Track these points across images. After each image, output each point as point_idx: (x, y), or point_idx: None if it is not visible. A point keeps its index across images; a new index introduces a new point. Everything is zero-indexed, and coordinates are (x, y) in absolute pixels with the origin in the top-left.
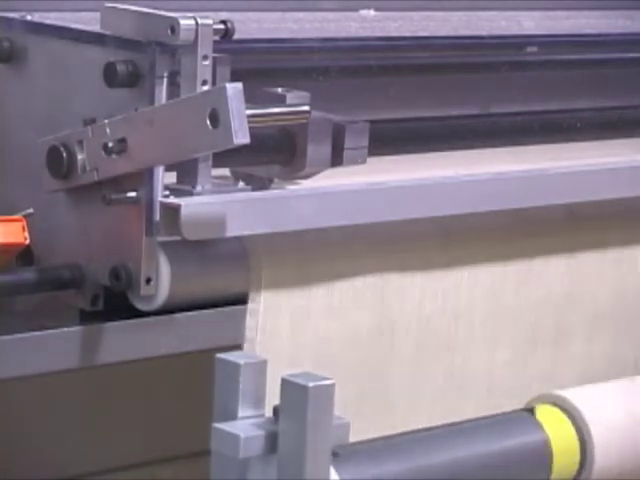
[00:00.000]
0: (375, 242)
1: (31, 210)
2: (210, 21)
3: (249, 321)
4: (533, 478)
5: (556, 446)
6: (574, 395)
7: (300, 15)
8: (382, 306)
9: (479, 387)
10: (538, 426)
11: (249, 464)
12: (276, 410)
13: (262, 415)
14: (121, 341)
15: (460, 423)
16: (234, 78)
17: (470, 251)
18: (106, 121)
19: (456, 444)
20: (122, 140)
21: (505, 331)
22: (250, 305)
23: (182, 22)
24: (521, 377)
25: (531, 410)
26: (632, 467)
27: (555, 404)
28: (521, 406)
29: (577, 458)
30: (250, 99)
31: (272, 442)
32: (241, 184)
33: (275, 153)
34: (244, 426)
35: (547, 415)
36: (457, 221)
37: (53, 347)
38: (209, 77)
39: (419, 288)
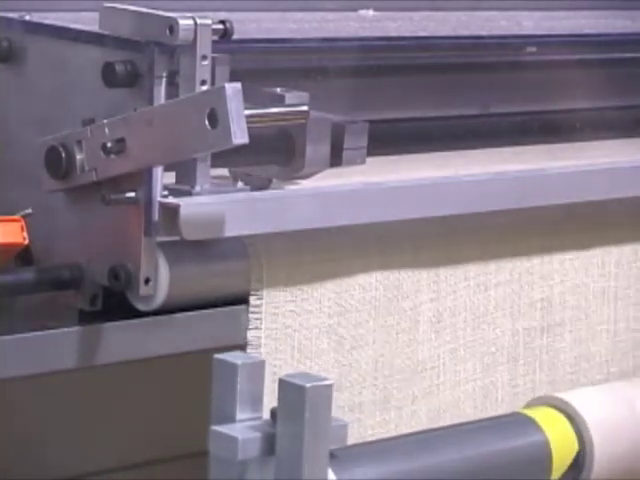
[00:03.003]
0: (378, 240)
1: (30, 210)
2: (209, 21)
3: (252, 322)
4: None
5: (555, 448)
6: (573, 397)
7: (299, 15)
8: (388, 305)
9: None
10: (537, 428)
11: (247, 466)
12: (273, 413)
13: (260, 417)
14: (120, 341)
15: (459, 425)
16: (233, 78)
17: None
18: (105, 121)
19: (455, 446)
20: (121, 140)
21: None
22: (252, 305)
23: (181, 22)
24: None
25: (530, 412)
26: (631, 468)
27: (554, 406)
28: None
29: (576, 460)
30: (249, 99)
31: (270, 444)
32: (240, 184)
33: (274, 153)
34: (242, 428)
35: (546, 417)
36: (456, 221)
37: (52, 347)
38: (208, 77)
39: (426, 287)
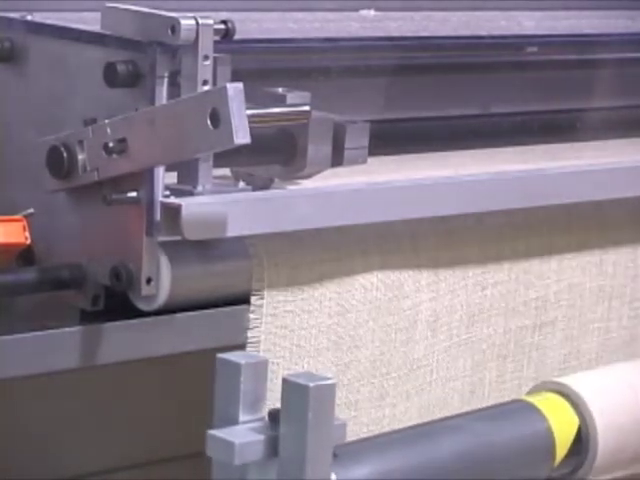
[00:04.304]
0: (380, 240)
1: (31, 210)
2: (211, 21)
3: (252, 322)
4: (535, 466)
5: (558, 434)
6: (575, 381)
7: (300, 15)
8: (388, 305)
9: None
10: (540, 414)
11: (249, 468)
12: (271, 414)
13: (263, 417)
14: (121, 341)
15: (461, 415)
16: (235, 78)
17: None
18: (107, 121)
19: (457, 436)
20: (122, 140)
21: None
22: (253, 305)
23: (183, 22)
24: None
25: (532, 398)
26: (636, 453)
27: (557, 391)
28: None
29: (580, 445)
30: (251, 99)
31: (271, 446)
32: (242, 184)
33: (276, 153)
34: (241, 431)
35: (549, 403)
36: (456, 220)
37: (53, 347)
38: (210, 77)
39: (426, 287)
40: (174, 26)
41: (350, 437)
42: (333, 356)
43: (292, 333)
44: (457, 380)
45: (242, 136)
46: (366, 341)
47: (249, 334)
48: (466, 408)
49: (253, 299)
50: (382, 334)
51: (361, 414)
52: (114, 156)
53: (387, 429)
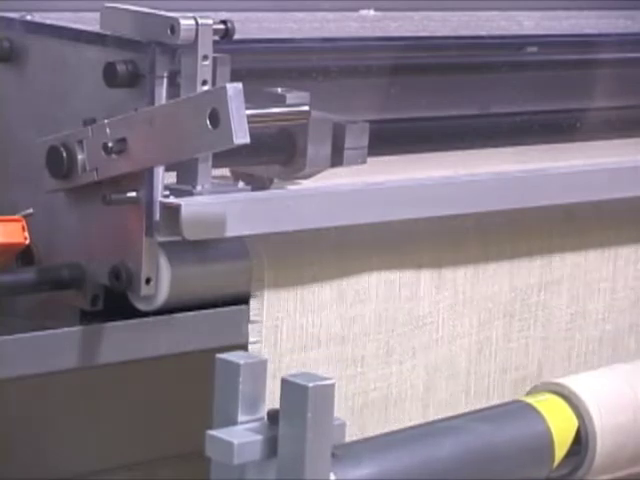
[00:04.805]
0: (379, 240)
1: (31, 210)
2: (210, 21)
3: (252, 321)
4: (535, 467)
5: (557, 434)
6: (575, 382)
7: (300, 15)
8: (387, 305)
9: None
10: (539, 415)
11: (248, 468)
12: (270, 414)
13: (262, 417)
14: (121, 341)
15: (460, 415)
16: (234, 78)
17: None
18: (106, 121)
19: (456, 436)
20: (122, 140)
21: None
22: (253, 305)
23: (182, 22)
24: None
25: (532, 399)
26: (635, 453)
27: (556, 392)
28: None
29: (579, 446)
30: (250, 99)
31: (270, 446)
32: (241, 184)
33: (275, 153)
34: (239, 431)
35: (548, 404)
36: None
37: (53, 347)
38: (209, 77)
39: (425, 286)
40: (173, 26)
41: (358, 393)
42: (336, 310)
43: (293, 332)
44: (464, 338)
45: (241, 136)
46: (370, 339)
47: (250, 334)
48: (474, 367)
49: (253, 299)
50: (386, 332)
51: (368, 370)
52: (113, 156)
53: (394, 387)
